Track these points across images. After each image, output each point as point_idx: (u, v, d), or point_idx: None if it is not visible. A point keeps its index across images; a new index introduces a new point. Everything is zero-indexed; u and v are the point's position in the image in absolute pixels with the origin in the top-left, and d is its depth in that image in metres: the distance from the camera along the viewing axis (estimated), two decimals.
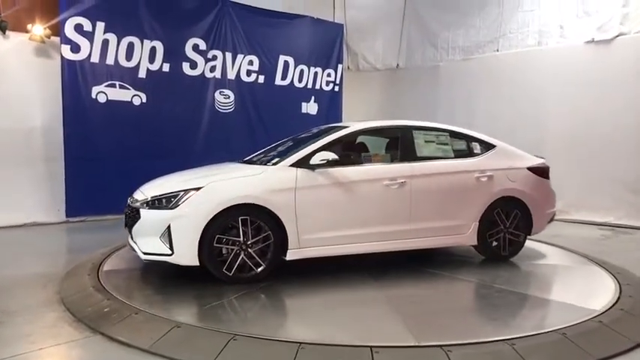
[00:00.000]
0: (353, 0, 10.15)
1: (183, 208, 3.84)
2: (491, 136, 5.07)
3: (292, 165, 4.17)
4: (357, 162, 4.49)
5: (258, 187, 4.01)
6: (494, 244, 4.82)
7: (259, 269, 4.01)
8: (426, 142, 4.71)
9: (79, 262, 4.64)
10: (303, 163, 4.16)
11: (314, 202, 4.11)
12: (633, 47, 7.13)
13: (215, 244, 3.87)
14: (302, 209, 4.05)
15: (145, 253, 3.95)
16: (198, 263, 3.85)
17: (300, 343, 2.86)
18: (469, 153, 4.82)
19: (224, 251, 3.93)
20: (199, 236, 3.80)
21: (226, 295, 3.80)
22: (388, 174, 4.38)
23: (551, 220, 5.20)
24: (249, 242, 3.95)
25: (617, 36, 7.26)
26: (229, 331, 3.01)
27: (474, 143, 4.87)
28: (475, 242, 4.70)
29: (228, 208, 3.87)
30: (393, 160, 4.61)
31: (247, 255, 3.96)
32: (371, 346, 2.82)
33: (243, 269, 3.98)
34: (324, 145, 4.30)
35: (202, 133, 7.99)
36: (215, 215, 3.83)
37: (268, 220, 4.00)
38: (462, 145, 4.85)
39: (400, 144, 4.63)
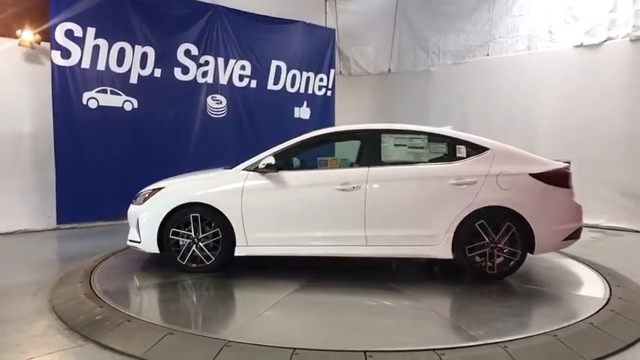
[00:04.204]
0: (345, 5, 10.21)
1: (147, 205, 4.53)
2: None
3: (244, 169, 4.46)
4: (312, 166, 4.56)
5: (207, 189, 4.45)
6: (480, 259, 4.26)
7: (209, 262, 4.43)
8: (395, 145, 4.44)
9: (71, 270, 4.61)
10: (254, 167, 4.42)
11: (261, 204, 4.36)
12: (620, 51, 7.24)
13: (171, 236, 4.43)
14: (248, 210, 4.33)
15: (129, 240, 4.67)
16: (158, 251, 4.46)
17: (295, 349, 2.86)
18: (450, 157, 4.34)
19: (180, 243, 4.45)
20: (157, 228, 4.41)
21: (222, 303, 3.84)
22: (340, 178, 4.29)
23: (572, 237, 4.34)
24: (200, 237, 4.41)
25: (605, 41, 7.38)
26: (223, 338, 3.00)
27: (458, 146, 4.35)
28: (450, 255, 4.21)
29: (181, 205, 4.39)
30: (352, 165, 4.64)
31: (199, 248, 4.43)
32: (365, 351, 2.84)
33: (195, 260, 4.45)
34: (277, 152, 4.45)
35: (194, 138, 7.99)
36: (170, 211, 4.39)
37: (218, 218, 4.35)
38: (442, 148, 4.40)
39: (363, 148, 4.58)
